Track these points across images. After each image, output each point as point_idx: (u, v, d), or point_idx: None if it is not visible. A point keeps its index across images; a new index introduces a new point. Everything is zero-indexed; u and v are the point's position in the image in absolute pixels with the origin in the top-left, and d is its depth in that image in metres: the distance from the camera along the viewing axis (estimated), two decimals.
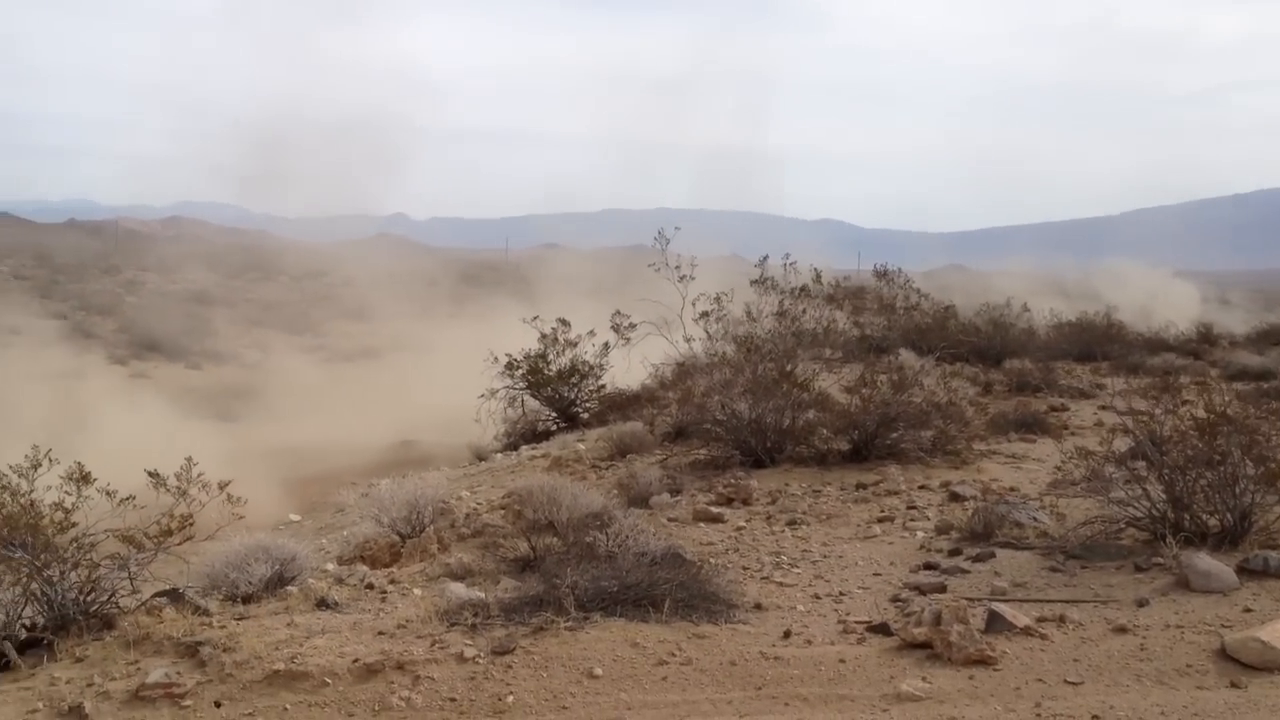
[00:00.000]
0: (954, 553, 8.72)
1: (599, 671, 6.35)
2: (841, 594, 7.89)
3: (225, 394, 23.84)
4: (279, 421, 22.08)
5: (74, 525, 7.27)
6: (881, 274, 21.27)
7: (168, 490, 7.58)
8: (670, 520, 10.23)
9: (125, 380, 23.67)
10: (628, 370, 17.24)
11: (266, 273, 59.56)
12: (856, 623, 7.17)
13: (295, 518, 15.13)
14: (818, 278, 15.54)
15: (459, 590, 7.73)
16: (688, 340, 14.88)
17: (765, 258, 15.35)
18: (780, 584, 8.14)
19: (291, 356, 32.00)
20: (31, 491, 7.35)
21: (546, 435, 17.76)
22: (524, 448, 16.90)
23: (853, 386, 12.67)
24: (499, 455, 16.98)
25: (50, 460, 7.62)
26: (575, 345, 18.35)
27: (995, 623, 6.90)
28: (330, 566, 9.23)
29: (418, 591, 8.00)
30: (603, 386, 18.29)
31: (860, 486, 11.05)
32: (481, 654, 6.50)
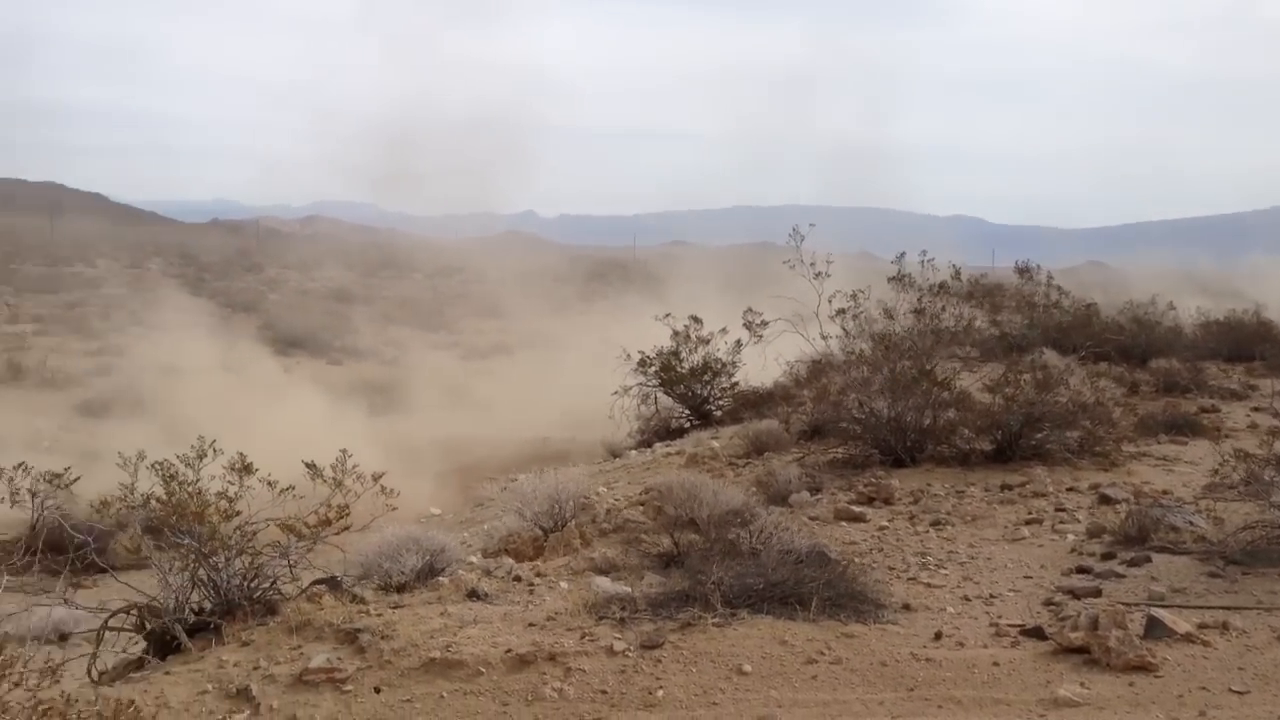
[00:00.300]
0: (1107, 556, 8.52)
1: (748, 668, 6.37)
2: (992, 596, 7.78)
3: (366, 389, 24.42)
4: (416, 417, 22.53)
5: (238, 514, 7.53)
6: (1023, 271, 20.82)
7: (324, 481, 7.81)
8: (811, 519, 10.19)
9: (275, 374, 24.40)
10: (763, 368, 17.18)
11: (401, 270, 60.86)
12: (1009, 625, 7.06)
13: (436, 511, 15.41)
14: (956, 274, 15.29)
15: (605, 584, 7.82)
16: (824, 338, 14.75)
17: (903, 254, 15.16)
18: (928, 585, 8.06)
19: (427, 353, 32.62)
20: (198, 480, 7.64)
21: (680, 432, 17.79)
22: (658, 445, 16.96)
23: (994, 385, 12.44)
24: (633, 452, 17.05)
25: (214, 450, 7.93)
26: (707, 342, 18.36)
27: (1154, 628, 6.74)
28: (474, 559, 9.41)
29: (564, 585, 8.11)
30: (736, 384, 18.26)
31: (1005, 488, 10.86)
32: (631, 648, 6.57)
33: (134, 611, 7.55)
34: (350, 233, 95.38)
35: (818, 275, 14.96)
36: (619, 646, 6.57)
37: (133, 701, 5.14)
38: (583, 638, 6.72)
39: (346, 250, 67.56)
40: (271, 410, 19.08)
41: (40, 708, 4.36)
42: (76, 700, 4.59)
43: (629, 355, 18.19)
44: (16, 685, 4.30)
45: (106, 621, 7.56)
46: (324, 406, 20.89)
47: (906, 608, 7.47)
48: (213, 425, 10.14)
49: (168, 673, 6.69)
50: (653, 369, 18.31)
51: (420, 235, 78.89)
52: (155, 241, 73.60)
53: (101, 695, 5.11)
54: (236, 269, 61.18)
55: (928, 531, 9.58)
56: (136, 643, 7.67)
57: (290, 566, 7.75)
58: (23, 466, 7.81)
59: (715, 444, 14.72)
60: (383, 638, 6.73)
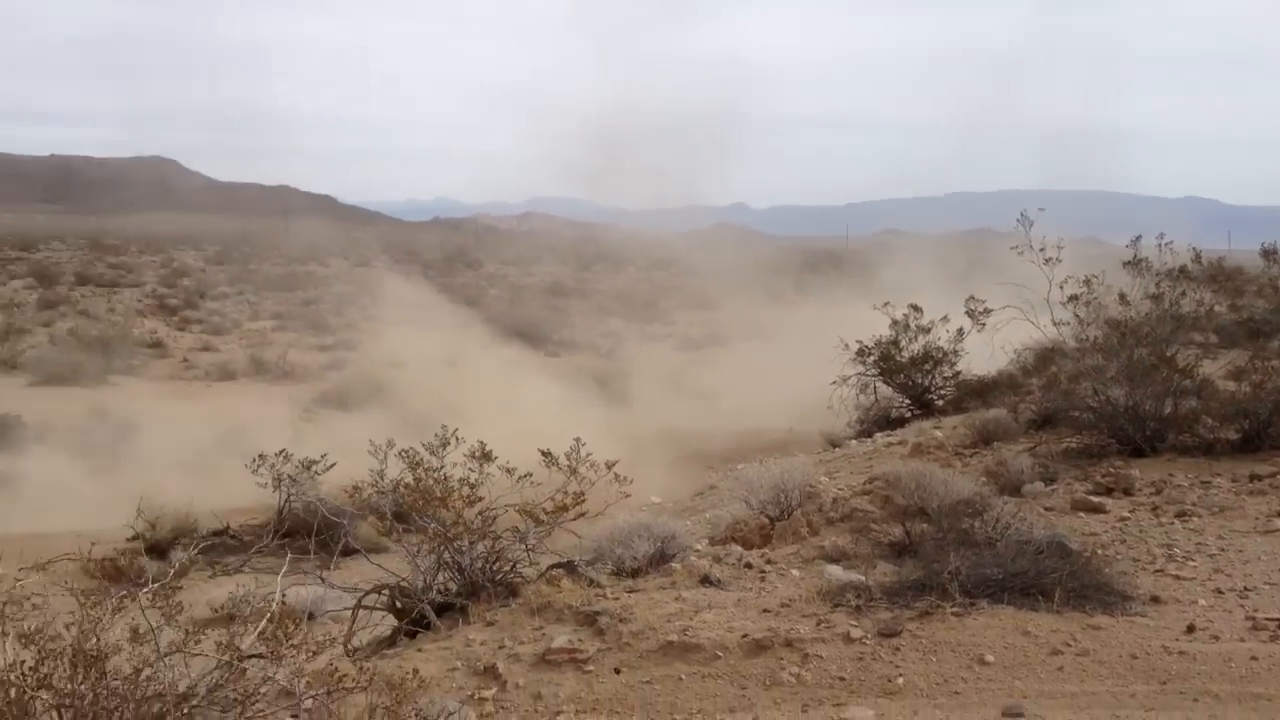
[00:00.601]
0: None
1: (990, 658, 6.27)
2: (1246, 589, 7.44)
3: (585, 379, 24.87)
4: (637, 407, 22.85)
5: (479, 499, 7.83)
6: (1269, 253, 19.70)
7: (559, 469, 8.04)
8: (1046, 509, 9.91)
9: (504, 366, 25.11)
10: (990, 356, 16.77)
11: (615, 264, 61.77)
12: (1267, 619, 6.75)
13: (656, 500, 15.57)
14: (1197, 258, 14.57)
15: (837, 572, 7.81)
16: (1056, 325, 14.28)
17: (1138, 238, 14.55)
18: (1176, 577, 7.75)
19: (643, 344, 33.04)
20: (442, 468, 7.97)
21: (900, 422, 17.54)
22: (878, 434, 16.77)
23: (1240, 372, 11.86)
24: (853, 441, 16.91)
25: (456, 439, 8.26)
26: (928, 331, 18.04)
27: None
28: (700, 546, 9.51)
29: (796, 572, 8.13)
30: (958, 373, 17.88)
31: (1255, 478, 10.30)
32: (868, 635, 6.56)
33: (385, 592, 7.95)
34: (564, 228, 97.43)
35: (1048, 261, 14.49)
36: (856, 634, 6.57)
37: (417, 670, 5.45)
38: (818, 624, 6.74)
39: (561, 245, 69.08)
40: (504, 400, 19.68)
41: (335, 675, 4.68)
42: (367, 669, 4.89)
43: (846, 345, 18.02)
44: (315, 654, 4.63)
45: (360, 600, 7.98)
46: (555, 396, 21.41)
47: (1155, 600, 7.22)
48: (446, 415, 10.55)
49: (419, 650, 7.03)
50: (871, 358, 18.11)
51: (632, 229, 79.83)
52: (381, 240, 76.77)
53: (379, 669, 5.42)
54: (457, 265, 63.35)
55: (1172, 523, 9.20)
56: (385, 620, 8.09)
57: (528, 550, 8.01)
58: (283, 454, 8.27)
59: (939, 433, 14.46)
60: (621, 620, 6.89)
